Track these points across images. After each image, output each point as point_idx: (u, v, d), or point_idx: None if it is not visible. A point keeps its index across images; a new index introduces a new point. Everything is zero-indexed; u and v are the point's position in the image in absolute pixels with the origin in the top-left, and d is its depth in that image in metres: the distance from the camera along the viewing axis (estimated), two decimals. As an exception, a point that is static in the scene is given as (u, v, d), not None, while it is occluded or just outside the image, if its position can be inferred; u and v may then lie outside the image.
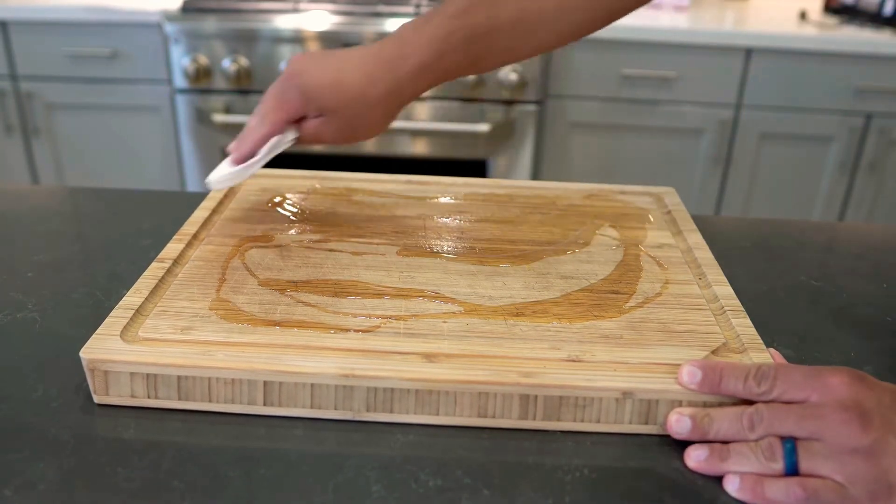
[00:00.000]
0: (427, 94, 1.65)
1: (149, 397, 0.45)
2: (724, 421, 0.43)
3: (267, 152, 0.60)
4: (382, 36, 1.79)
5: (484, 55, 0.58)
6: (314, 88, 0.57)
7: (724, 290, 0.55)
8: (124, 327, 0.48)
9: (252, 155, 0.60)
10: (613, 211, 0.68)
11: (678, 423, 0.44)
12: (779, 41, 1.68)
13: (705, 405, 0.44)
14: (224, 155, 0.62)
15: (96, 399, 0.46)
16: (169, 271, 0.55)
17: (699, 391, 0.44)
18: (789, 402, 0.42)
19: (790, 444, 0.41)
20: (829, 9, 1.96)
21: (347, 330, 0.49)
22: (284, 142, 0.61)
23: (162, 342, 0.47)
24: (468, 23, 0.56)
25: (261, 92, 1.66)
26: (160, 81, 1.71)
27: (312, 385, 0.44)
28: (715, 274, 0.57)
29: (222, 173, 0.60)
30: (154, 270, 0.54)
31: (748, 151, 1.77)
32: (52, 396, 0.46)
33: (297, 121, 0.60)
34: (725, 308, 0.53)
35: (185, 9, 1.64)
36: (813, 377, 0.42)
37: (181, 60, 1.63)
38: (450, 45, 0.56)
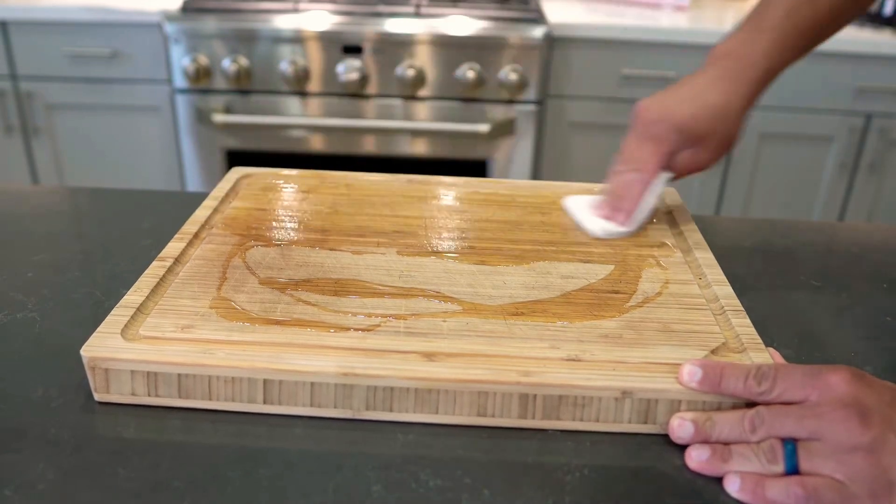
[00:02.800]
0: (427, 93, 1.66)
1: (149, 395, 0.45)
2: (726, 424, 0.43)
3: (652, 200, 0.62)
4: (382, 36, 1.76)
5: (811, 43, 0.63)
6: (687, 122, 0.61)
7: (724, 290, 0.55)
8: (125, 325, 0.48)
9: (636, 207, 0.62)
10: (613, 211, 0.68)
11: (680, 428, 0.44)
12: (779, 41, 1.68)
13: (705, 405, 0.44)
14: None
15: (97, 397, 0.46)
16: (170, 270, 0.55)
17: (699, 390, 0.44)
18: (789, 401, 0.42)
19: (791, 447, 0.41)
20: (829, 9, 1.96)
21: (347, 329, 0.49)
22: (661, 183, 0.63)
23: (163, 340, 0.47)
24: (794, 24, 0.61)
25: (261, 92, 1.67)
26: (160, 81, 1.71)
27: (312, 384, 0.45)
28: (715, 274, 0.57)
29: (611, 228, 0.62)
30: (155, 269, 0.54)
31: (748, 151, 1.77)
32: (52, 396, 0.46)
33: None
34: (725, 308, 0.53)
35: (185, 9, 1.64)
36: (813, 376, 0.42)
37: (181, 60, 1.63)
38: (786, 44, 0.61)
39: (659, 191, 0.63)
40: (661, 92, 0.63)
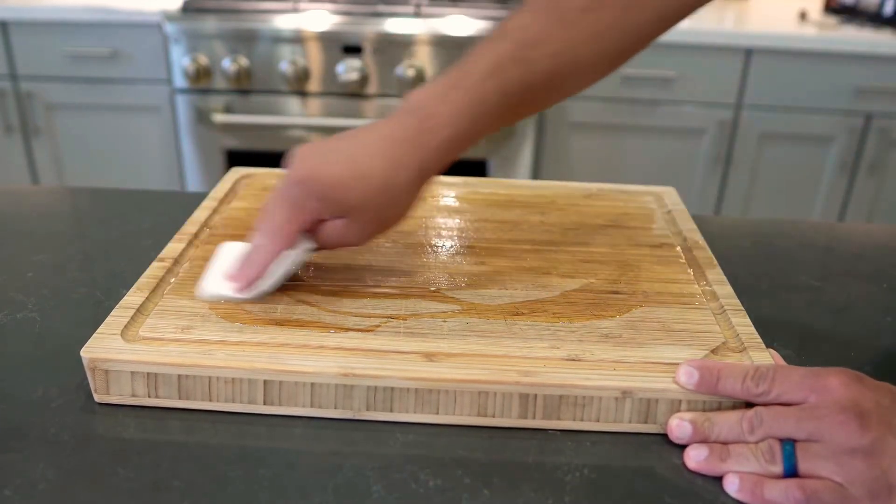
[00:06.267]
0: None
1: (149, 396, 0.45)
2: (725, 425, 0.43)
3: (282, 271, 0.52)
4: (382, 36, 1.76)
5: (518, 113, 0.53)
6: (332, 188, 0.49)
7: (724, 289, 0.55)
8: (125, 326, 0.48)
9: (259, 278, 0.52)
10: (613, 210, 0.68)
11: (679, 428, 0.44)
12: (779, 41, 1.68)
13: (704, 405, 0.44)
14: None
15: (97, 398, 0.46)
16: (169, 271, 0.55)
17: (697, 391, 0.44)
18: (787, 403, 0.42)
19: (789, 447, 0.41)
20: (829, 9, 1.96)
21: (347, 329, 0.49)
22: (301, 255, 0.53)
23: (162, 341, 0.47)
24: (499, 83, 0.49)
25: (261, 92, 1.67)
26: (160, 81, 1.71)
27: (312, 384, 0.45)
28: (715, 274, 0.57)
29: (220, 292, 0.52)
30: (155, 270, 0.54)
31: (748, 151, 1.77)
32: (52, 396, 0.46)
33: (310, 229, 0.52)
34: (725, 308, 0.53)
35: (185, 9, 1.64)
36: (811, 378, 0.42)
37: (181, 60, 1.63)
38: (483, 109, 0.50)
39: (294, 261, 0.53)
40: (328, 140, 0.52)
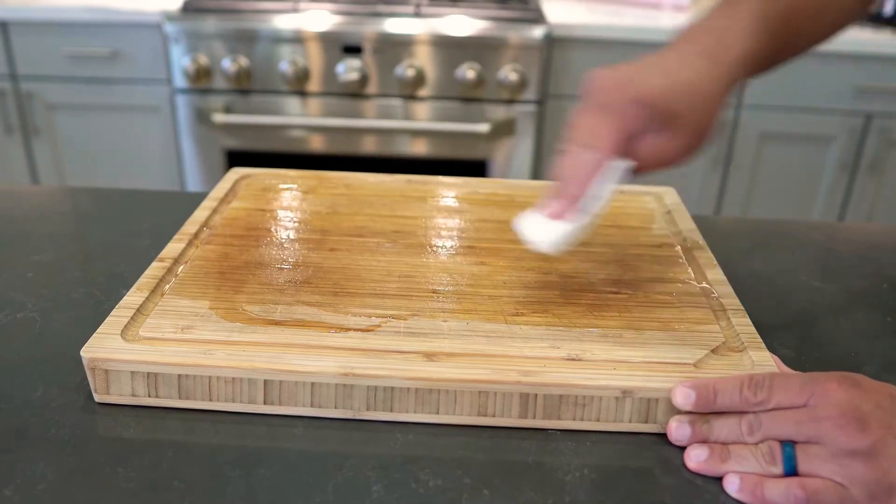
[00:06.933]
0: (427, 93, 1.66)
1: (149, 396, 0.45)
2: (724, 427, 0.43)
3: (604, 189, 0.47)
4: (382, 36, 1.76)
5: (792, 39, 0.55)
6: (655, 96, 0.47)
7: (724, 289, 0.55)
8: (125, 326, 0.48)
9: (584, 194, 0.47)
10: (613, 211, 0.68)
11: (678, 430, 0.44)
12: (779, 41, 1.68)
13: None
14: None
15: (97, 398, 0.46)
16: (169, 271, 0.55)
17: (695, 411, 0.44)
18: (787, 408, 0.42)
19: (789, 449, 0.41)
20: (829, 9, 1.96)
21: (347, 329, 0.49)
22: (618, 172, 0.48)
23: (162, 341, 0.47)
24: (777, 6, 0.52)
25: (261, 92, 1.67)
26: (160, 81, 1.71)
27: (313, 384, 0.45)
28: (715, 274, 0.57)
29: (555, 232, 0.46)
30: (155, 270, 0.54)
31: (748, 151, 1.77)
32: (52, 396, 0.46)
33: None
34: (725, 307, 0.53)
35: (185, 9, 1.64)
36: (810, 384, 0.42)
37: (181, 60, 1.63)
38: (767, 29, 0.51)
39: (615, 180, 0.48)
40: (622, 64, 0.50)
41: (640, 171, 0.50)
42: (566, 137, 0.48)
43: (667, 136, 0.48)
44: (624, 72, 0.49)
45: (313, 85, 1.66)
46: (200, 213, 0.64)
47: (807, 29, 0.55)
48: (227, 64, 1.63)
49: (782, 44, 0.53)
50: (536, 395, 0.44)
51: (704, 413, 0.44)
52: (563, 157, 0.48)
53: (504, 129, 1.69)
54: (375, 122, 1.68)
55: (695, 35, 0.50)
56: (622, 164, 0.48)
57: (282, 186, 0.71)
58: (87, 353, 0.45)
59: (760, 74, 0.54)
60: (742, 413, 0.43)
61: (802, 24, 0.55)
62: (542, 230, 0.48)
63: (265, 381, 0.45)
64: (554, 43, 1.66)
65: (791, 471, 0.40)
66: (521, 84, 1.64)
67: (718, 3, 0.52)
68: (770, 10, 0.51)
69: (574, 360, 0.46)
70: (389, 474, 0.41)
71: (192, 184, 1.77)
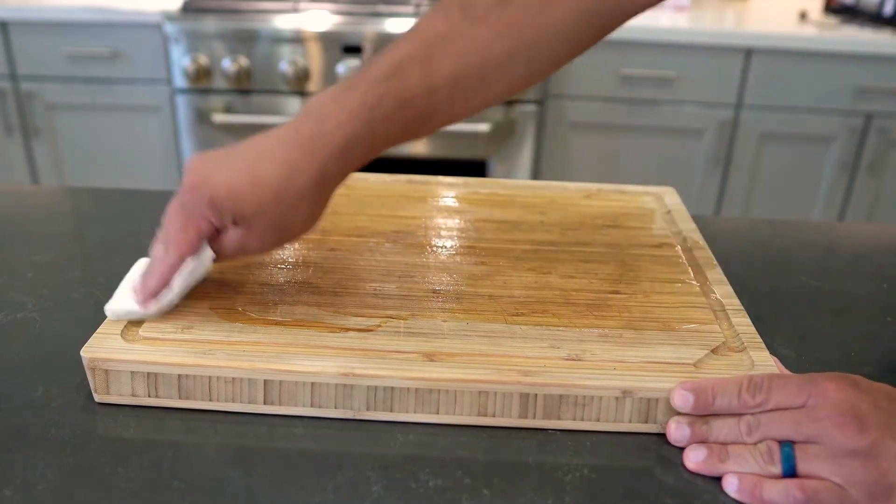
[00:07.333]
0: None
1: (149, 396, 0.45)
2: (723, 427, 0.43)
3: (183, 282, 0.50)
4: (382, 36, 1.76)
5: (422, 118, 0.48)
6: (225, 195, 0.46)
7: (724, 289, 0.55)
8: (125, 326, 0.48)
9: (161, 289, 0.49)
10: (613, 210, 0.68)
11: (677, 431, 0.44)
12: (779, 41, 1.68)
13: (705, 404, 0.44)
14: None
15: (97, 398, 0.46)
16: (169, 271, 0.55)
17: (694, 414, 0.44)
18: (786, 409, 0.42)
19: (788, 449, 0.41)
20: (829, 9, 1.96)
21: (347, 329, 0.49)
22: (203, 265, 0.50)
23: (162, 341, 0.47)
24: (398, 85, 0.46)
25: (261, 92, 1.67)
26: (160, 81, 1.71)
27: (313, 384, 0.45)
28: (715, 274, 0.57)
29: (125, 307, 0.49)
30: (154, 270, 0.54)
31: (748, 151, 1.77)
32: (52, 396, 0.46)
33: (211, 237, 0.50)
34: (725, 307, 0.53)
35: (185, 9, 1.64)
36: (808, 385, 0.42)
37: (181, 60, 1.63)
38: (379, 112, 0.46)
39: (199, 272, 0.51)
40: (225, 149, 0.48)
41: (222, 260, 0.51)
42: (161, 227, 0.50)
43: (242, 232, 0.48)
44: (208, 167, 0.47)
45: (313, 85, 1.66)
46: (200, 213, 0.64)
47: (448, 106, 0.48)
48: (227, 64, 1.63)
49: (411, 124, 0.48)
50: (536, 395, 0.44)
51: (703, 414, 0.44)
52: (153, 249, 0.50)
53: (504, 129, 1.69)
54: (375, 122, 1.68)
55: (300, 117, 0.47)
56: (203, 256, 0.50)
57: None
58: (87, 353, 0.45)
59: (386, 149, 0.49)
60: (741, 413, 0.43)
61: (442, 101, 0.48)
62: (120, 301, 0.49)
63: (265, 382, 0.45)
64: (554, 43, 1.66)
65: (790, 471, 0.40)
66: (521, 84, 1.64)
67: (341, 83, 0.48)
68: (386, 94, 0.46)
69: (574, 360, 0.46)
70: (389, 474, 0.41)
71: (192, 184, 1.77)
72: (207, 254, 0.50)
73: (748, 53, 1.68)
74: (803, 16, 1.87)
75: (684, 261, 0.60)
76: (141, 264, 0.53)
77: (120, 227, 0.70)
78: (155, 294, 0.49)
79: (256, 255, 0.50)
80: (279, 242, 0.50)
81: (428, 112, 0.48)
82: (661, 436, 0.45)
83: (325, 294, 0.53)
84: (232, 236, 0.49)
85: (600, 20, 0.49)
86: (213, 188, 0.46)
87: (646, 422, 0.45)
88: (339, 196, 0.69)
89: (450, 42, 0.47)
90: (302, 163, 0.46)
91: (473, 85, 0.48)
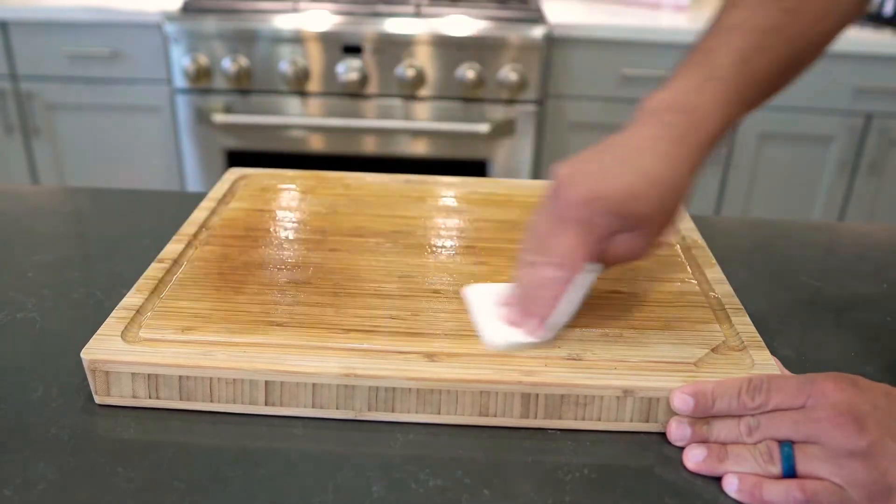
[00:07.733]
0: (427, 93, 1.66)
1: (150, 398, 0.45)
2: (723, 427, 0.43)
3: (575, 300, 0.47)
4: (382, 36, 1.76)
5: (762, 98, 0.51)
6: (626, 201, 0.46)
7: (724, 289, 0.55)
8: (125, 328, 0.48)
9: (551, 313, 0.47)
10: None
11: (677, 430, 0.44)
12: (779, 41, 1.68)
13: (706, 404, 0.44)
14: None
15: (97, 399, 0.46)
16: (168, 271, 0.55)
17: (694, 417, 0.44)
18: (786, 409, 0.42)
19: (788, 449, 0.41)
20: (829, 9, 1.96)
21: (348, 330, 0.49)
22: (588, 279, 0.48)
23: (163, 343, 0.47)
24: (751, 72, 0.48)
25: (261, 92, 1.67)
26: (160, 81, 1.71)
27: (314, 385, 0.45)
28: (714, 273, 0.57)
29: (512, 339, 0.47)
30: (154, 271, 0.54)
31: (748, 151, 1.77)
32: (52, 396, 0.46)
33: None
34: (725, 306, 0.53)
35: (185, 9, 1.64)
36: (807, 385, 0.42)
37: (181, 60, 1.63)
38: (741, 100, 0.48)
39: (583, 289, 0.48)
40: (585, 155, 0.48)
41: (611, 265, 0.50)
42: (529, 245, 0.48)
43: (633, 236, 0.48)
44: (589, 172, 0.47)
45: (313, 85, 1.66)
46: (199, 214, 0.64)
47: (775, 91, 0.52)
48: (227, 64, 1.62)
49: (757, 102, 0.51)
50: (538, 394, 0.44)
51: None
52: (530, 269, 0.48)
53: (504, 129, 1.69)
54: (375, 122, 1.68)
55: (658, 113, 0.48)
56: (591, 271, 0.48)
57: (280, 186, 0.71)
58: (87, 354, 0.45)
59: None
60: (741, 415, 0.43)
61: (775, 86, 0.51)
62: (500, 332, 0.48)
63: (266, 383, 0.45)
64: (554, 43, 1.66)
65: (789, 470, 0.40)
66: (521, 84, 1.64)
67: (678, 70, 0.49)
68: (745, 80, 0.48)
69: (575, 359, 0.46)
70: (389, 474, 0.41)
71: (192, 184, 1.77)
72: (590, 269, 0.48)
73: (748, 53, 1.68)
74: (803, 16, 1.86)
75: (683, 260, 0.60)
76: (479, 293, 0.51)
77: (120, 227, 0.70)
78: (546, 319, 0.47)
79: (639, 258, 0.49)
80: (660, 241, 0.50)
81: (767, 92, 0.50)
82: (662, 435, 0.45)
83: (325, 294, 0.53)
84: (622, 242, 0.47)
85: None
86: (614, 197, 0.46)
87: (647, 421, 0.45)
88: (339, 196, 0.69)
89: (779, 31, 0.49)
90: (685, 155, 0.47)
91: (800, 63, 0.51)
